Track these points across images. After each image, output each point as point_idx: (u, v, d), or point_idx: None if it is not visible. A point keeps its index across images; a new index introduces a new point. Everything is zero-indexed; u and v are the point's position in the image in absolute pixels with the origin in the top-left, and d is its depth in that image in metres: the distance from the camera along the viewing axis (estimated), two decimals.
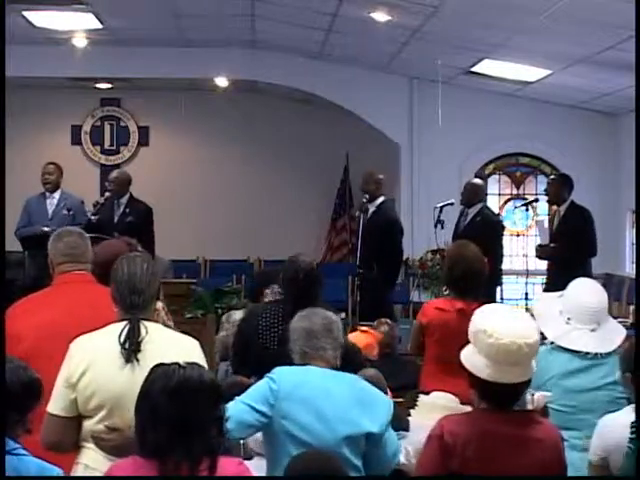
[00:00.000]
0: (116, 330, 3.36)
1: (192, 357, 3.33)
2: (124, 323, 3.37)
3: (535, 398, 3.74)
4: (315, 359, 3.76)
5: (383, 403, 3.76)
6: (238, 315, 6.28)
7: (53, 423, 3.34)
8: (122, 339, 3.32)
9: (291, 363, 3.88)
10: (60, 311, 3.86)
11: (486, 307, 3.26)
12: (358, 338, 6.06)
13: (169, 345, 3.39)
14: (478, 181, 9.60)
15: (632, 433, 3.19)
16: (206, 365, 3.47)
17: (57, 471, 2.97)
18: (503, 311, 3.22)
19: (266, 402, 3.59)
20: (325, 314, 3.89)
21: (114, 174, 9.25)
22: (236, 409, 3.54)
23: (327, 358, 3.77)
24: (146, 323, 3.38)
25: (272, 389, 3.61)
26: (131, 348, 3.30)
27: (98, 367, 3.31)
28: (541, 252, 8.85)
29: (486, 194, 10.74)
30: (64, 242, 4.10)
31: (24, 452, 2.93)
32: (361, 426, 3.62)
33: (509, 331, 3.06)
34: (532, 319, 3.31)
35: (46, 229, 8.00)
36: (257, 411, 3.58)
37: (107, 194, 8.99)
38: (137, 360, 3.28)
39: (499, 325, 3.08)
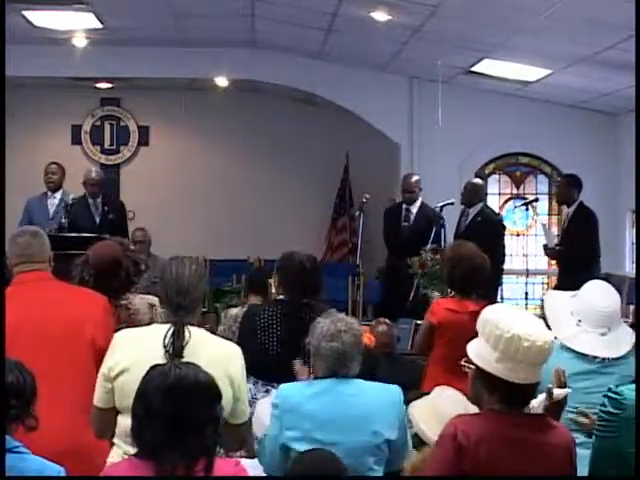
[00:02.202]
0: (160, 331, 3.36)
1: (232, 364, 3.38)
2: (168, 325, 3.38)
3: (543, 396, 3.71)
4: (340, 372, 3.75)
5: (395, 403, 3.74)
6: (236, 310, 6.25)
7: (94, 414, 3.48)
8: (166, 342, 3.32)
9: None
10: (13, 311, 3.87)
11: (496, 309, 3.18)
12: None
13: (210, 352, 3.38)
14: (478, 181, 9.61)
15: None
16: (244, 372, 3.49)
17: (58, 469, 2.98)
18: (517, 312, 3.17)
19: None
20: (352, 327, 3.79)
21: (94, 175, 9.10)
22: (270, 444, 3.61)
23: (354, 372, 3.75)
24: (190, 328, 3.38)
25: (278, 407, 3.64)
26: (174, 352, 3.30)
27: (138, 369, 3.25)
28: (549, 253, 8.94)
29: (486, 194, 10.73)
30: (17, 243, 4.17)
31: (25, 450, 2.94)
32: (379, 434, 3.62)
33: (538, 332, 3.03)
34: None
35: (46, 229, 7.98)
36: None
37: (72, 196, 8.72)
38: None
39: (527, 327, 3.03)
